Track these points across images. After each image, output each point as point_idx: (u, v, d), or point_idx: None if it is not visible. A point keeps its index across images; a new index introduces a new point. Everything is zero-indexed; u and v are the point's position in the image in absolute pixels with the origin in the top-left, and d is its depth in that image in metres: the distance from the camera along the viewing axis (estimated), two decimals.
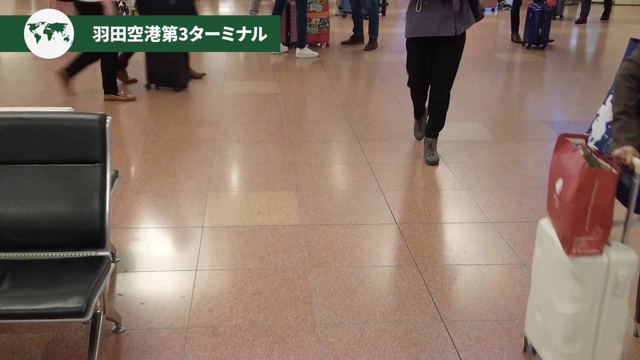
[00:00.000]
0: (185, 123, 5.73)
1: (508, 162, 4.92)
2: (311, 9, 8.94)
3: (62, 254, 2.62)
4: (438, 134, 4.87)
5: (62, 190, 2.66)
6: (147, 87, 6.81)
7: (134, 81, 6.92)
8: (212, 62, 8.32)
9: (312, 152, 5.05)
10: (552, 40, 9.41)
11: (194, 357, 2.68)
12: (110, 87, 6.32)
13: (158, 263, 3.42)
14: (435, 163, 4.75)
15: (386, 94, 6.92)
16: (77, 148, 2.69)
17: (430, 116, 4.84)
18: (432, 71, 4.64)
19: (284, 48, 8.79)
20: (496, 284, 3.26)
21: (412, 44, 4.62)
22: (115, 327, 2.82)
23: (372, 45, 9.02)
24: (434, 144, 4.85)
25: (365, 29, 9.11)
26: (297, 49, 8.52)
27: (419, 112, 5.10)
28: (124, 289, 3.17)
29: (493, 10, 13.24)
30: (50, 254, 2.61)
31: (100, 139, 2.70)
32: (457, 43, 4.52)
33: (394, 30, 10.41)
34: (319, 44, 9.24)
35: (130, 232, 3.73)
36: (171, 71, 6.72)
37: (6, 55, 8.48)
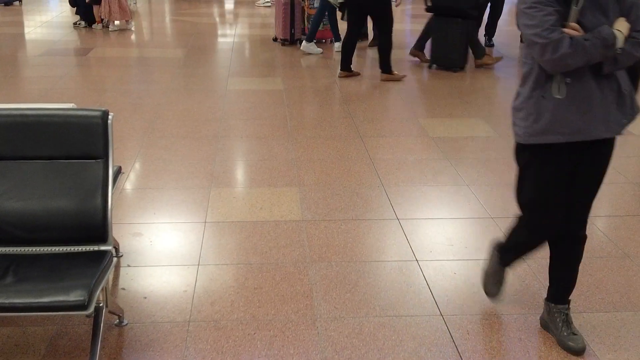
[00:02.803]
0: (189, 119, 5.76)
1: (510, 158, 4.93)
2: (315, 5, 8.97)
3: (65, 249, 2.66)
4: None
5: (65, 185, 2.70)
6: (430, 67, 7.85)
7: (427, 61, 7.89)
8: (217, 59, 8.36)
9: (315, 148, 5.08)
10: None
11: (195, 350, 2.72)
12: (386, 67, 7.20)
13: (161, 258, 3.46)
14: (583, 350, 2.76)
15: (389, 90, 6.93)
16: (79, 144, 2.73)
17: (562, 267, 2.83)
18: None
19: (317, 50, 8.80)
20: None
21: (543, 153, 2.57)
22: (118, 320, 2.86)
23: (377, 41, 9.03)
24: (570, 316, 2.86)
25: (370, 26, 9.12)
26: (305, 41, 8.58)
27: (510, 256, 2.96)
28: (127, 283, 3.21)
29: None
30: (53, 249, 2.66)
31: (102, 135, 2.74)
32: (613, 144, 2.64)
33: (398, 26, 10.41)
34: (323, 40, 9.27)
35: (134, 228, 3.77)
36: (452, 54, 7.67)
37: (11, 52, 8.54)
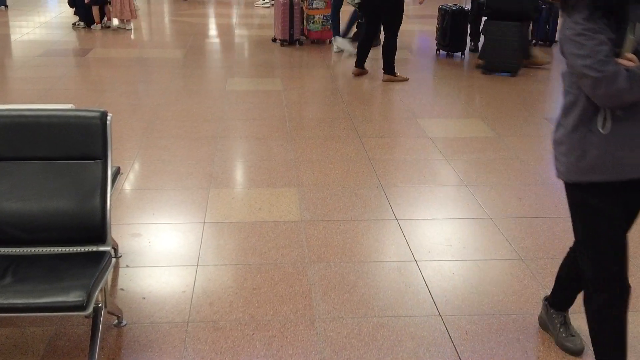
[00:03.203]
0: (188, 119, 5.76)
1: (508, 158, 4.94)
2: (314, 6, 8.98)
3: (64, 249, 2.66)
4: None
5: (64, 186, 2.70)
6: (483, 73, 7.68)
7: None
8: (216, 60, 8.37)
9: (314, 149, 5.08)
10: (557, 41, 9.43)
11: (194, 350, 2.72)
12: (389, 68, 7.27)
13: (160, 258, 3.46)
14: (582, 351, 2.74)
15: (388, 90, 6.94)
16: (78, 145, 2.73)
17: (578, 287, 2.69)
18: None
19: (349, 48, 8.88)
20: (494, 279, 3.28)
21: (595, 191, 2.31)
22: (117, 321, 2.86)
23: (376, 42, 9.04)
24: (568, 317, 2.84)
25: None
26: (338, 37, 8.92)
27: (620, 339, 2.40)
28: (126, 283, 3.21)
29: None
30: (52, 249, 2.66)
31: (101, 136, 2.74)
32: None
33: (406, 27, 10.41)
34: (323, 41, 9.28)
35: (133, 228, 3.77)
36: (508, 58, 7.56)
37: (10, 53, 8.54)
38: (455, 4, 8.39)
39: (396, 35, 7.14)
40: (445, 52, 8.70)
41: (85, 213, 2.68)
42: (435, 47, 8.80)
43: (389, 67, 7.28)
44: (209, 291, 3.14)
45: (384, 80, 7.27)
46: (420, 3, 8.22)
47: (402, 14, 7.12)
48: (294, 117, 5.88)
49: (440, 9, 8.42)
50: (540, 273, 3.34)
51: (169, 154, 4.93)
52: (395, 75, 7.28)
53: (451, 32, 8.32)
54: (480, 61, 7.83)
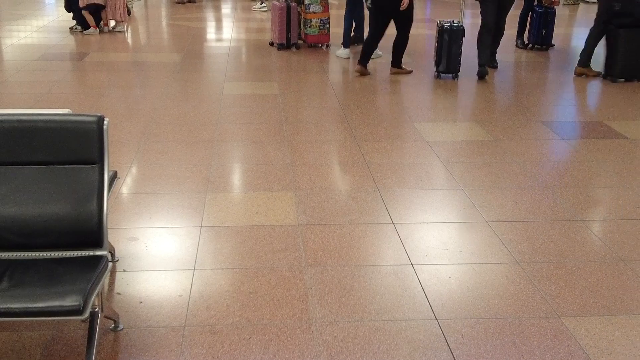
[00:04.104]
0: (185, 123, 5.77)
1: (505, 162, 4.95)
2: (311, 9, 8.99)
3: (60, 254, 2.66)
4: None
5: (61, 190, 2.70)
6: (615, 81, 7.67)
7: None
8: (213, 63, 8.37)
9: (311, 153, 5.09)
10: (553, 45, 9.45)
11: (190, 354, 2.72)
12: (397, 62, 7.80)
13: (156, 262, 3.46)
14: None
15: (385, 94, 6.95)
16: (75, 149, 2.74)
17: None
18: None
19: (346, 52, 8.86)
20: (490, 283, 3.29)
21: None
22: (113, 325, 2.87)
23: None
24: None
25: (366, 30, 9.14)
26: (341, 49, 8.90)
27: None
28: (123, 288, 3.21)
29: None
30: (48, 254, 2.66)
31: (98, 141, 2.74)
32: None
33: (393, 31, 10.44)
34: (320, 45, 9.30)
35: (130, 232, 3.77)
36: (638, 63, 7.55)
37: (8, 57, 8.54)
38: (453, 21, 7.82)
39: (408, 33, 7.50)
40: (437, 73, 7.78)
41: (82, 217, 2.68)
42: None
43: (396, 61, 7.73)
44: (206, 295, 3.15)
45: (391, 73, 7.75)
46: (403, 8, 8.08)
47: (412, 12, 7.39)
48: (291, 121, 5.89)
49: (437, 24, 7.92)
50: (536, 277, 3.35)
51: (166, 158, 4.93)
52: (401, 68, 7.76)
53: (440, 51, 7.58)
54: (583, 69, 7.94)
